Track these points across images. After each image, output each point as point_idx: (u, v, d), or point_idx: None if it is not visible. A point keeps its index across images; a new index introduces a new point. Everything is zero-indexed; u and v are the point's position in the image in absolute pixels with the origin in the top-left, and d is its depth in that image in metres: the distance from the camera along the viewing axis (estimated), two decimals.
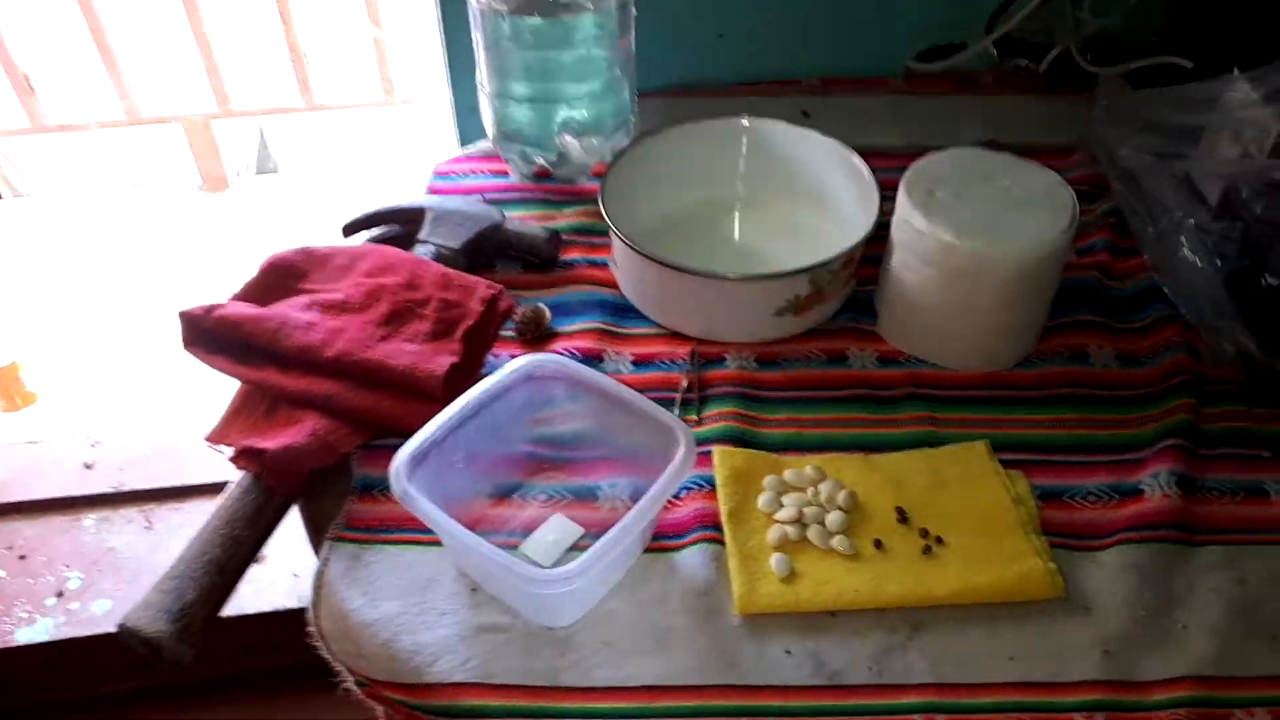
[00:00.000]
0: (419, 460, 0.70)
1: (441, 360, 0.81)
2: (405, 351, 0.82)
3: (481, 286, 0.87)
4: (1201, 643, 0.68)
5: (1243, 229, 0.85)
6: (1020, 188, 0.86)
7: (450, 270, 0.89)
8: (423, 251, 0.94)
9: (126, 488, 1.49)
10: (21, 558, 1.43)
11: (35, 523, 1.48)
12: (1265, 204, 0.82)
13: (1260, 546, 0.75)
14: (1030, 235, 0.82)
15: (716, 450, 0.80)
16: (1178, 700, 0.65)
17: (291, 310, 0.84)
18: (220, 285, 0.90)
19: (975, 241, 0.82)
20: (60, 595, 1.38)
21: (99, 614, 1.36)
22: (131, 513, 1.49)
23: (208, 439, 0.81)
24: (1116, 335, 0.92)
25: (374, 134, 2.40)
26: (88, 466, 1.52)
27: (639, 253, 0.88)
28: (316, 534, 0.78)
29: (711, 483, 0.78)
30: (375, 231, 1.00)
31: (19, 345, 1.83)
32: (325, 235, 0.98)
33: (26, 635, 1.35)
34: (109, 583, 1.40)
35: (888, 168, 1.02)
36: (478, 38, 1.00)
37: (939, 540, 0.74)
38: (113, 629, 0.70)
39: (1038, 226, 0.83)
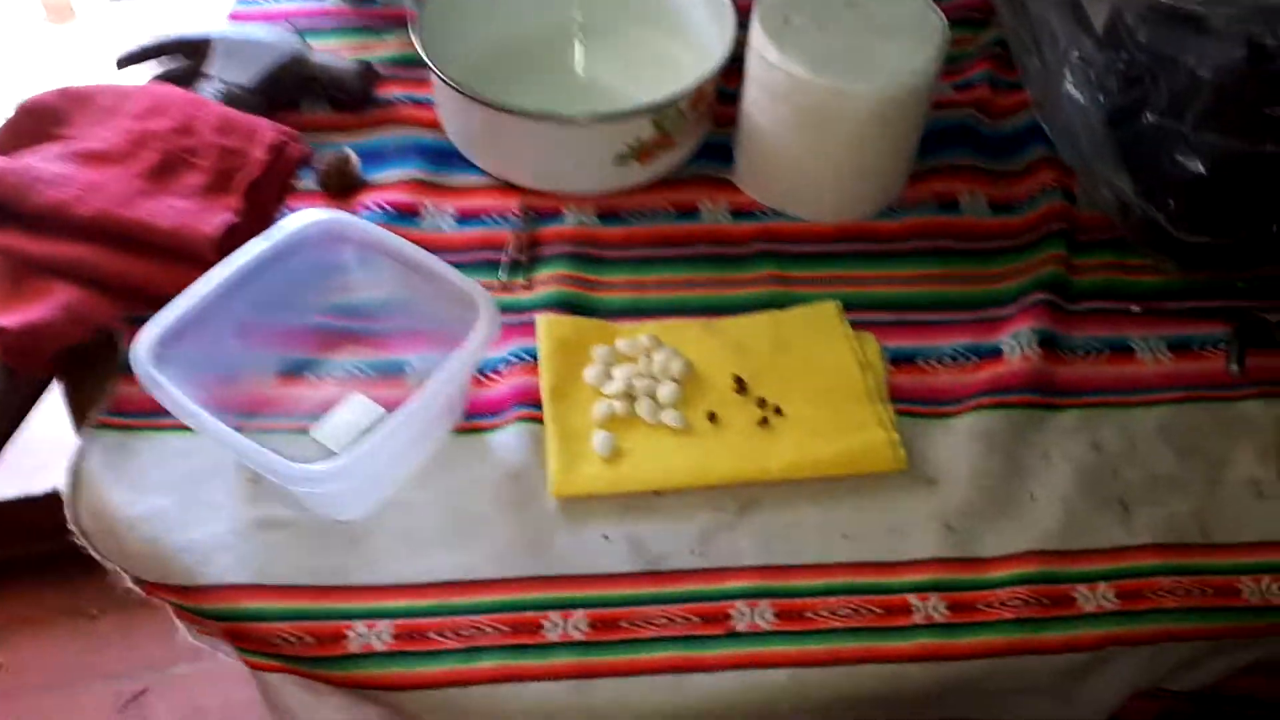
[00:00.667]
0: (174, 336, 0.60)
1: (215, 218, 0.69)
2: (173, 208, 0.70)
3: (267, 130, 0.75)
4: (1048, 514, 0.64)
5: (1127, 60, 0.77)
6: (886, 13, 0.76)
7: (232, 112, 0.76)
8: (209, 90, 0.80)
9: None
10: None
11: None
12: (1149, 31, 0.73)
13: (1119, 410, 0.70)
14: (892, 68, 0.73)
15: (540, 319, 0.71)
16: (1018, 577, 0.61)
17: (39, 161, 0.72)
18: None
19: (830, 76, 0.72)
20: None
21: None
22: None
23: None
24: (991, 179, 0.84)
25: None
26: None
27: (458, 91, 0.76)
28: (78, 419, 0.68)
29: (535, 355, 0.70)
30: (159, 67, 0.85)
31: None
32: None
33: None
34: None
35: None
36: None
37: (777, 411, 0.67)
38: None
39: (901, 58, 0.73)
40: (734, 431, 0.66)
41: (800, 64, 0.72)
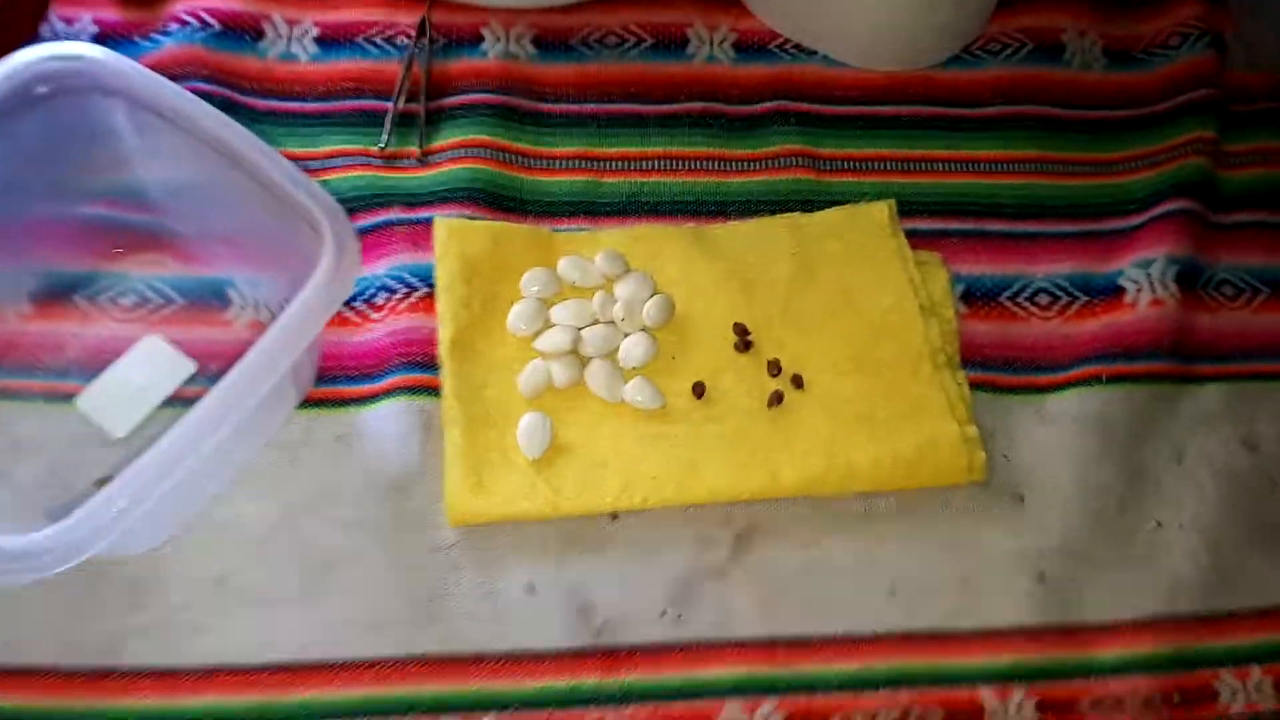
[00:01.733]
0: None
1: None
2: None
3: None
4: (1181, 553, 0.43)
5: None
6: None
7: None
8: None
9: None
10: None
11: None
12: None
13: None
14: None
15: (440, 223, 0.47)
16: (1138, 661, 0.41)
17: None
18: None
19: None
20: None
21: None
22: None
23: None
24: (1107, 13, 0.58)
25: None
26: None
27: None
28: None
29: (431, 281, 0.46)
30: None
31: None
32: None
33: None
34: None
35: None
36: None
37: (796, 382, 0.45)
38: None
39: None
40: (732, 415, 0.44)
41: None
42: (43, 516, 0.37)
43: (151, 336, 0.44)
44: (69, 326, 0.44)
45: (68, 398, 0.43)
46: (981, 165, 0.52)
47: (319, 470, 0.42)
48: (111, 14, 0.51)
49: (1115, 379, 0.47)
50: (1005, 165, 0.52)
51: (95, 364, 0.43)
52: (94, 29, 0.51)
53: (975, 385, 0.46)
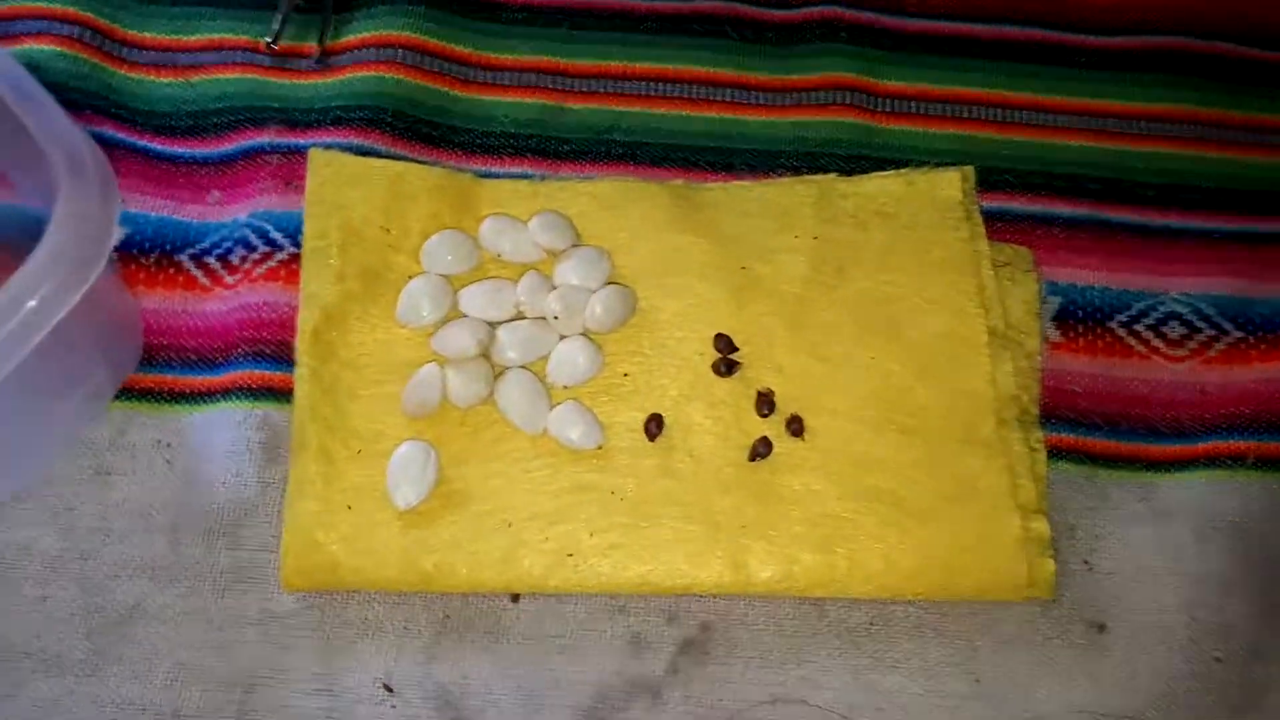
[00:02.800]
0: None
1: None
2: None
3: None
4: None
5: None
6: None
7: None
8: None
9: None
10: None
11: None
12: None
13: None
14: None
15: (315, 156, 0.34)
16: None
17: None
18: None
19: None
20: None
21: None
22: None
23: None
24: None
25: None
26: None
27: None
28: None
29: (298, 235, 0.33)
30: None
31: None
32: None
33: None
34: None
35: None
36: None
37: (795, 427, 0.32)
38: None
39: None
40: (697, 467, 0.31)
41: None
42: None
43: None
44: None
45: None
46: (1108, 121, 0.37)
47: (127, 488, 0.31)
48: None
49: (1267, 462, 0.32)
50: (1143, 123, 0.37)
51: None
52: None
53: (1057, 452, 0.32)
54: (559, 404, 0.31)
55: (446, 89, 0.36)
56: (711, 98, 0.36)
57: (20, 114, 0.27)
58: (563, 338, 0.32)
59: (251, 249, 0.33)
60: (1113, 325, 0.34)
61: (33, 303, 0.24)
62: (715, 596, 0.31)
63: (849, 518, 0.31)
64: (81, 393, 0.31)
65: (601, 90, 0.36)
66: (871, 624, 0.31)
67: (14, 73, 0.28)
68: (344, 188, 0.33)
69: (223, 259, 0.34)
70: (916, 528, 0.30)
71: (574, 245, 0.33)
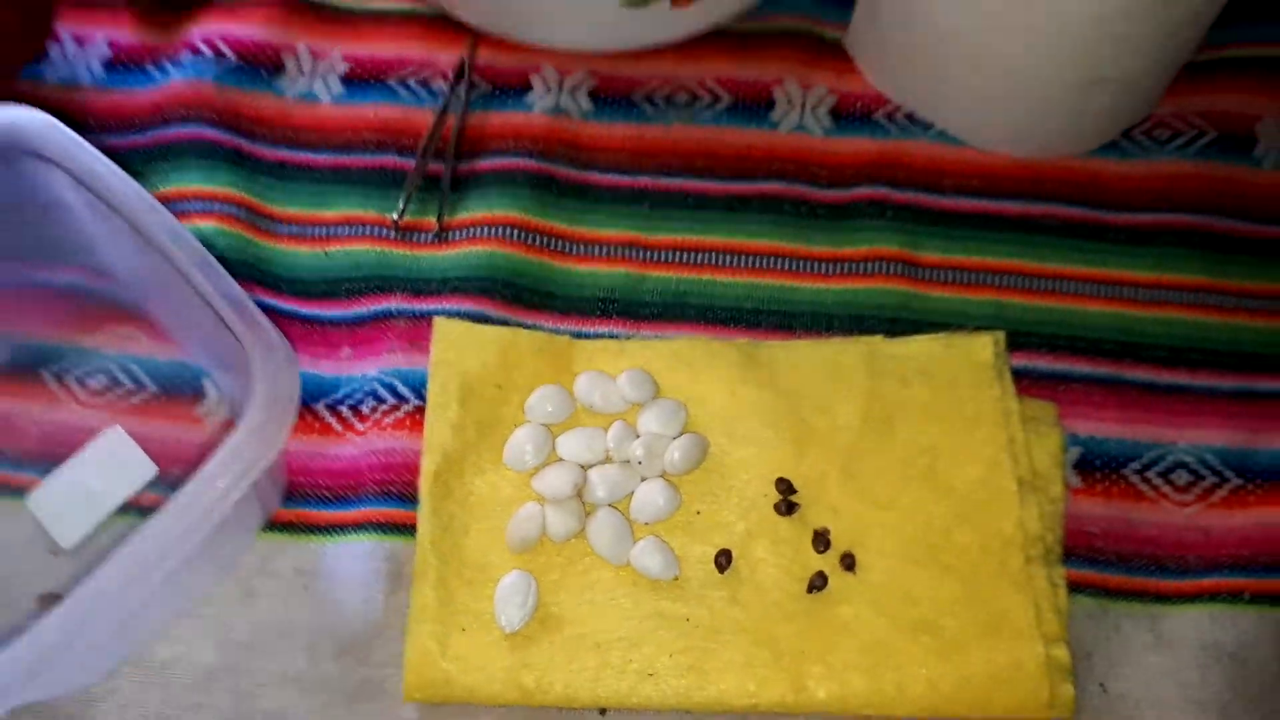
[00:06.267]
0: None
1: None
2: None
3: None
4: None
5: None
6: None
7: None
8: None
9: None
10: None
11: None
12: None
13: None
14: None
15: (441, 326, 0.40)
16: None
17: None
18: None
19: None
20: None
21: None
22: None
23: None
24: None
25: None
26: None
27: None
28: None
29: (423, 392, 0.39)
30: None
31: None
32: None
33: None
34: None
35: None
36: None
37: (848, 563, 0.36)
38: None
39: None
40: (761, 598, 0.36)
41: None
42: None
43: (115, 429, 0.39)
44: (32, 409, 0.39)
45: (19, 492, 0.38)
46: (1123, 289, 0.42)
47: (272, 610, 0.37)
48: (126, 34, 0.46)
49: (1261, 598, 0.36)
50: (1158, 292, 0.41)
51: (53, 455, 0.38)
52: (107, 52, 0.46)
53: (1077, 586, 0.37)
54: (640, 539, 0.37)
55: (546, 260, 0.42)
56: (772, 267, 0.42)
57: (209, 296, 0.32)
58: (644, 480, 0.37)
59: (381, 401, 0.39)
60: (1126, 473, 0.39)
61: (240, 466, 0.30)
62: (778, 714, 0.35)
63: (897, 646, 0.35)
64: (242, 529, 0.37)
65: (677, 261, 0.42)
66: None
67: (204, 257, 0.34)
68: (463, 351, 0.39)
69: (354, 408, 0.39)
70: (955, 655, 0.35)
71: (654, 398, 0.39)
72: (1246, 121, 0.44)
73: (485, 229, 0.42)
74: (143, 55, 0.46)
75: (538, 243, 0.42)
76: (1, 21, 0.44)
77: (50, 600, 0.36)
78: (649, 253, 0.42)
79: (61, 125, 0.33)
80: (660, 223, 0.43)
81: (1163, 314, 0.41)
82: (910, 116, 0.45)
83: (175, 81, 0.44)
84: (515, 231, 0.42)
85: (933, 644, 0.35)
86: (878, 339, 0.40)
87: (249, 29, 0.46)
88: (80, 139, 0.33)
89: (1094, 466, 0.39)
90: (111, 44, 0.46)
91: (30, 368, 0.40)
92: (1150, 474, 0.39)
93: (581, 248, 0.42)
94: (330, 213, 0.43)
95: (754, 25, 0.46)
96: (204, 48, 0.45)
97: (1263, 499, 0.38)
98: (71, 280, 0.40)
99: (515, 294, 0.41)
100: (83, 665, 0.35)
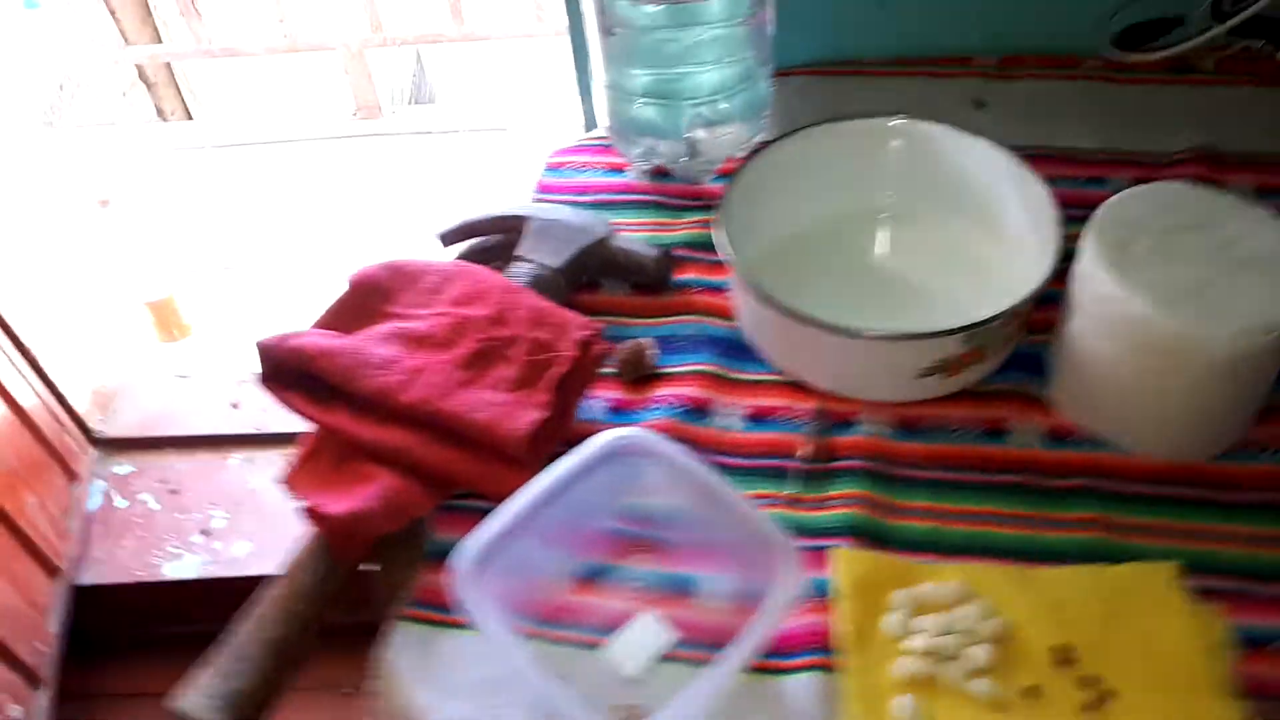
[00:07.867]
0: (490, 549, 0.62)
1: (526, 416, 0.71)
2: (487, 403, 0.73)
3: (575, 326, 0.76)
4: None
5: None
6: (1247, 242, 0.68)
7: (543, 304, 0.78)
8: (521, 271, 0.84)
9: (268, 430, 1.50)
10: (173, 492, 1.47)
11: (186, 459, 1.51)
12: None
13: None
14: (1255, 311, 0.65)
15: (841, 554, 0.68)
16: None
17: (369, 343, 0.76)
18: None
19: (1180, 317, 0.65)
20: (206, 533, 1.42)
21: (240, 555, 1.40)
22: (272, 455, 1.50)
23: (282, 483, 0.75)
24: None
25: (527, 65, 2.35)
26: (234, 406, 1.54)
27: (757, 293, 0.75)
28: (383, 606, 0.71)
29: (827, 591, 0.67)
30: (474, 240, 0.90)
31: (177, 277, 1.79)
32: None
33: (174, 570, 1.39)
34: (250, 524, 1.42)
35: (1077, 178, 0.86)
36: (592, 23, 0.87)
37: (1106, 695, 0.61)
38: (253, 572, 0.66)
39: (1265, 299, 0.65)
40: (1056, 712, 0.60)
41: (1144, 299, 0.65)
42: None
43: (648, 614, 0.67)
44: (598, 600, 0.69)
45: (593, 647, 0.66)
46: (1247, 539, 0.67)
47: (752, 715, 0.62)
48: (619, 395, 0.80)
49: None
50: (1267, 540, 0.67)
51: (612, 626, 0.67)
52: (608, 404, 0.79)
53: None
54: (974, 677, 0.62)
55: (881, 519, 0.70)
56: (1024, 525, 0.70)
57: (748, 518, 0.62)
58: (972, 643, 0.63)
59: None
60: (1270, 645, 0.62)
61: (761, 632, 0.58)
62: None
63: None
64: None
65: (964, 520, 0.70)
66: None
67: (747, 501, 0.64)
68: (855, 568, 0.66)
69: None
70: None
71: (971, 597, 0.65)
72: None
73: (843, 501, 0.71)
74: (631, 404, 0.79)
75: (876, 509, 0.71)
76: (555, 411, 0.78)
77: (623, 710, 0.63)
78: (945, 515, 0.71)
79: (651, 433, 0.66)
80: (950, 498, 0.71)
81: (1275, 553, 0.67)
82: (1095, 438, 0.74)
83: (653, 418, 0.77)
84: (863, 502, 0.71)
85: None
86: (1101, 566, 0.66)
87: (688, 389, 0.79)
88: (665, 439, 0.66)
89: (1248, 645, 0.62)
90: (610, 400, 0.80)
91: (593, 578, 0.69)
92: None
93: (903, 512, 0.71)
94: (749, 492, 0.73)
95: (990, 384, 0.77)
96: (664, 401, 0.78)
97: None
98: (621, 526, 0.71)
99: (868, 537, 0.69)
100: None
